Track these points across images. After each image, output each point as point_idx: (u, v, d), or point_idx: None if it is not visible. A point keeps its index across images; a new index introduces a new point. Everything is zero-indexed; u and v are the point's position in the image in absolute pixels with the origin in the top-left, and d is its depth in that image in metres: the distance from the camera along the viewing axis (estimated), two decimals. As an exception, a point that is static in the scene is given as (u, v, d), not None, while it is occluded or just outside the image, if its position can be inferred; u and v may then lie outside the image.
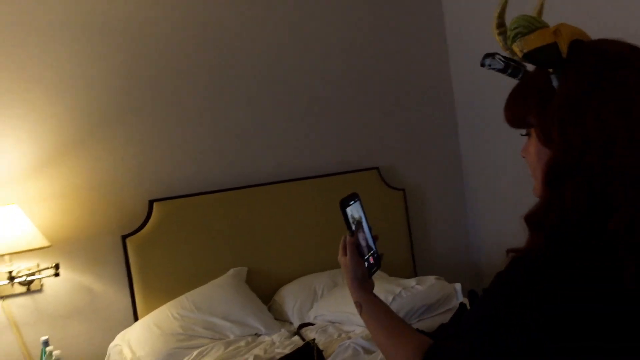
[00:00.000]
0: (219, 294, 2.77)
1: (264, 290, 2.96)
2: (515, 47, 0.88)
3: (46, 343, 2.37)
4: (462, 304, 2.38)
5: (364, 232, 1.13)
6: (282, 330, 2.66)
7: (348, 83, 3.41)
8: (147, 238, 2.80)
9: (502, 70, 0.92)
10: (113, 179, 2.83)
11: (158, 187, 2.91)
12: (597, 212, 0.77)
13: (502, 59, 0.92)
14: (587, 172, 0.78)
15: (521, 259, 0.81)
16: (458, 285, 2.69)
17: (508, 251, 0.83)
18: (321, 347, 2.17)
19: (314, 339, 2.23)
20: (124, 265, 2.79)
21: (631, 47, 0.83)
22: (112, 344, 2.63)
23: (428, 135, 3.67)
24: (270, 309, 2.88)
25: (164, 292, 2.78)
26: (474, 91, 3.57)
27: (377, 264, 1.16)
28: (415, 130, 3.62)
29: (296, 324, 2.76)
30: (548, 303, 0.75)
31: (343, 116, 3.39)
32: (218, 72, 3.08)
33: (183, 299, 2.73)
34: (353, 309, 2.66)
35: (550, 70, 0.85)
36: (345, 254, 1.12)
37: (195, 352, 2.43)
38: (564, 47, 0.83)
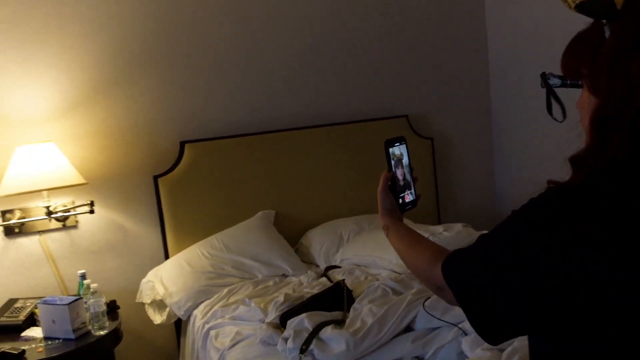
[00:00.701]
0: (248, 235, 2.83)
1: (291, 233, 3.01)
2: None
3: (83, 276, 2.46)
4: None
5: (403, 171, 1.20)
6: (309, 272, 2.72)
7: (379, 30, 3.35)
8: (179, 179, 2.85)
9: (563, 85, 0.94)
10: (146, 120, 2.86)
11: (190, 129, 2.94)
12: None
13: (557, 76, 0.93)
14: (632, 119, 0.77)
15: (557, 190, 0.83)
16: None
17: (549, 182, 0.85)
18: (349, 288, 2.22)
19: (343, 279, 2.28)
20: (155, 204, 2.86)
21: None
22: (144, 280, 2.72)
23: (459, 84, 3.61)
24: (297, 252, 2.94)
25: (193, 232, 2.85)
26: (508, 41, 3.48)
27: (413, 204, 1.23)
28: (446, 79, 3.57)
29: (322, 266, 2.81)
30: (573, 246, 0.76)
31: (373, 63, 3.35)
32: (250, 16, 3.04)
33: (213, 239, 2.79)
34: (379, 253, 2.68)
35: (604, 22, 0.84)
36: None
37: (225, 290, 2.51)
38: None
